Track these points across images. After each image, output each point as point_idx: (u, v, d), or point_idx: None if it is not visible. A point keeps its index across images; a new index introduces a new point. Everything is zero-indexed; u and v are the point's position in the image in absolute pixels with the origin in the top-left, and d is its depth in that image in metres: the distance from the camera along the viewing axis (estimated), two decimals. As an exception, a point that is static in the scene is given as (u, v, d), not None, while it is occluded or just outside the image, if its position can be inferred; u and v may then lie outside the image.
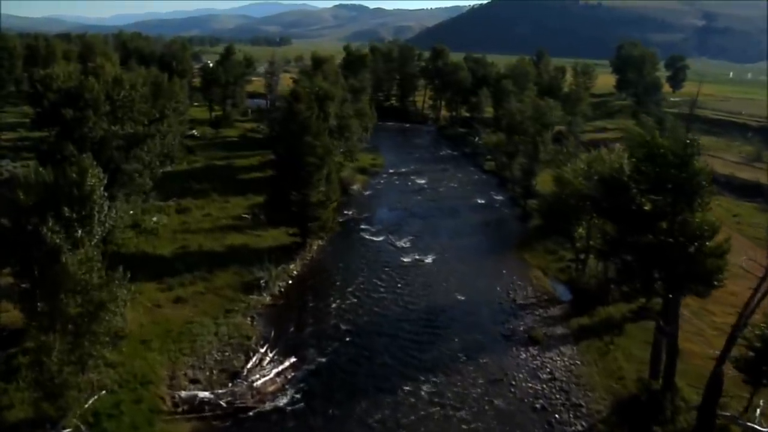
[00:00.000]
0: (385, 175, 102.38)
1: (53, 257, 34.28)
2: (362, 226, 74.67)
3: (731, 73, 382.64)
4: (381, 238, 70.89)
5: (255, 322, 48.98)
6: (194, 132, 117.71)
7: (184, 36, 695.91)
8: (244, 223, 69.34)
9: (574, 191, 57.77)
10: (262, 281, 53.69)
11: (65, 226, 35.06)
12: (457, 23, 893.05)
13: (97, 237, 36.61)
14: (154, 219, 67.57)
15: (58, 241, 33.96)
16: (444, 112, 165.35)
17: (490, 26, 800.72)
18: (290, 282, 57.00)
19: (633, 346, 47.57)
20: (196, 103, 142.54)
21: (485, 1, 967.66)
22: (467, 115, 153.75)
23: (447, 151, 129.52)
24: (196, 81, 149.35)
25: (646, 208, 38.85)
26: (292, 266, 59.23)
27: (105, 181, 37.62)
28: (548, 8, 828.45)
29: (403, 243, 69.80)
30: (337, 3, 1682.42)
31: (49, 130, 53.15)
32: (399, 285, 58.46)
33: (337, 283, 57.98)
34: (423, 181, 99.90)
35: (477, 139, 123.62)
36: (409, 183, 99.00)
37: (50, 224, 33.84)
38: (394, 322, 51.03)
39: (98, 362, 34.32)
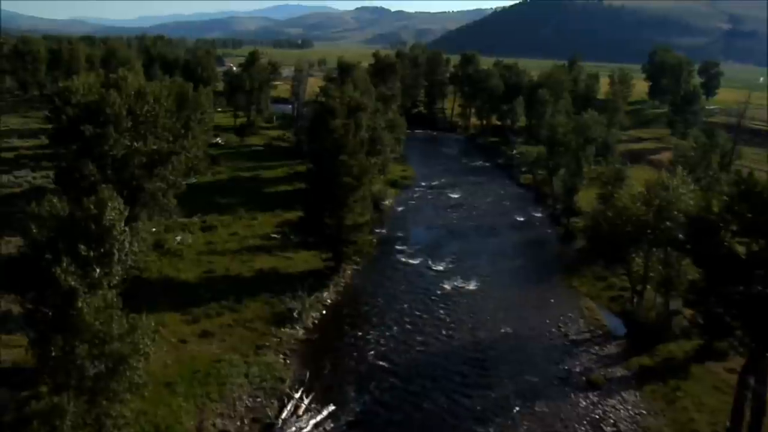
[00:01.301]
0: (417, 189, 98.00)
1: (68, 301, 30.35)
2: (397, 247, 70.34)
3: (762, 78, 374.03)
4: (418, 261, 66.50)
5: (288, 361, 44.74)
6: (218, 140, 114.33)
7: (207, 38, 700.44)
8: (273, 244, 65.30)
9: (632, 217, 53.17)
10: (294, 312, 49.47)
11: (81, 266, 31.05)
12: (480, 26, 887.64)
13: (117, 278, 32.57)
14: (178, 238, 63.79)
15: (72, 283, 29.97)
16: (474, 120, 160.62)
17: (512, 29, 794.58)
18: (324, 312, 52.75)
19: (702, 392, 42.95)
20: (219, 109, 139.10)
21: (507, 4, 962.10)
22: (498, 123, 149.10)
23: (479, 161, 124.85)
24: (220, 86, 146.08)
25: (739, 253, 34.03)
26: (325, 294, 55.00)
27: (126, 213, 33.53)
28: (571, 11, 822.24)
29: (442, 266, 65.42)
30: (358, 5, 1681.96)
31: (67, 147, 49.30)
32: (441, 315, 54.15)
33: (375, 314, 53.71)
34: (457, 196, 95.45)
35: (515, 152, 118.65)
36: (443, 197, 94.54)
37: (64, 264, 29.87)
38: (438, 361, 46.69)
39: (117, 422, 30.27)
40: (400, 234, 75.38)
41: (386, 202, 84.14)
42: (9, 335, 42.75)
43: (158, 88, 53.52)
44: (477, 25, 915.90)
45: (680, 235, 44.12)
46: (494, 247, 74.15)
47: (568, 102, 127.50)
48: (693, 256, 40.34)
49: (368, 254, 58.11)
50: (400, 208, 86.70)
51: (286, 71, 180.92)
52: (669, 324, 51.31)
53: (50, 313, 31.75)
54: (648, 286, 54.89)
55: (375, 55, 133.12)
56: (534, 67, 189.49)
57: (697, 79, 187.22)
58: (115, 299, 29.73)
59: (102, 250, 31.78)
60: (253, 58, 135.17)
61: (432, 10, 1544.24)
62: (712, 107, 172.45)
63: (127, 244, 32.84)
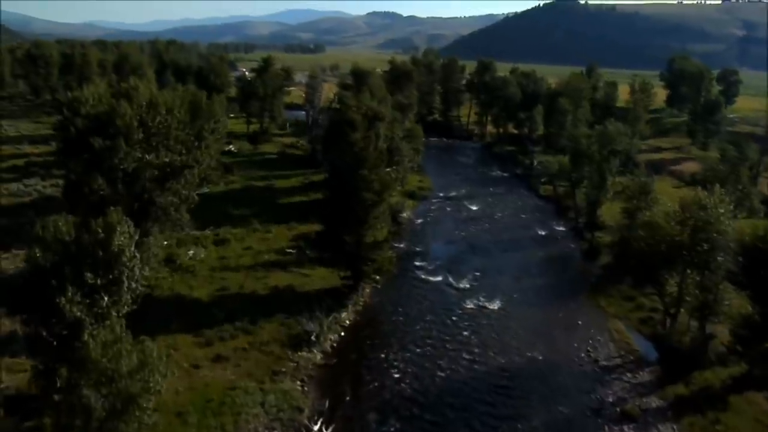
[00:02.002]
0: (434, 200, 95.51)
1: (73, 333, 28.22)
2: (417, 263, 67.87)
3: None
4: (439, 278, 64.04)
5: (306, 388, 42.39)
6: (231, 147, 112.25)
7: (219, 42, 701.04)
8: (289, 259, 63.00)
9: (666, 237, 50.58)
10: (312, 335, 47.13)
11: (88, 294, 28.92)
12: (492, 32, 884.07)
13: (126, 307, 30.39)
14: (190, 253, 61.63)
15: (78, 314, 27.84)
16: (490, 128, 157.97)
17: (525, 35, 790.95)
18: (342, 334, 50.41)
19: (743, 425, 40.66)
20: (232, 115, 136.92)
21: (520, 10, 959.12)
22: (515, 132, 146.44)
23: (497, 171, 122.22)
24: (233, 91, 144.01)
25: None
26: (344, 315, 52.62)
27: (136, 236, 31.38)
28: (583, 16, 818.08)
29: (464, 284, 62.95)
30: (370, 10, 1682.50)
31: (76, 160, 47.16)
32: (464, 337, 51.82)
33: (396, 336, 51.36)
34: (476, 208, 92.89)
35: (535, 163, 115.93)
36: (462, 209, 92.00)
37: (69, 294, 27.71)
38: (462, 388, 44.31)
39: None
40: (419, 248, 72.95)
41: (404, 215, 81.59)
42: (13, 358, 40.64)
43: (171, 97, 51.29)
44: (489, 30, 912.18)
45: (729, 264, 41.37)
46: (517, 262, 71.62)
47: (587, 110, 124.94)
48: (749, 288, 37.69)
49: (388, 272, 55.61)
50: (418, 221, 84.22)
51: (299, 76, 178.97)
52: (705, 350, 48.79)
53: (54, 343, 29.68)
54: (682, 309, 52.32)
55: (391, 62, 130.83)
56: (547, 73, 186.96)
57: (716, 87, 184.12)
58: (124, 333, 27.49)
59: (110, 276, 29.67)
60: (266, 65, 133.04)
61: (444, 15, 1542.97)
62: (731, 116, 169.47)
63: (137, 270, 30.64)
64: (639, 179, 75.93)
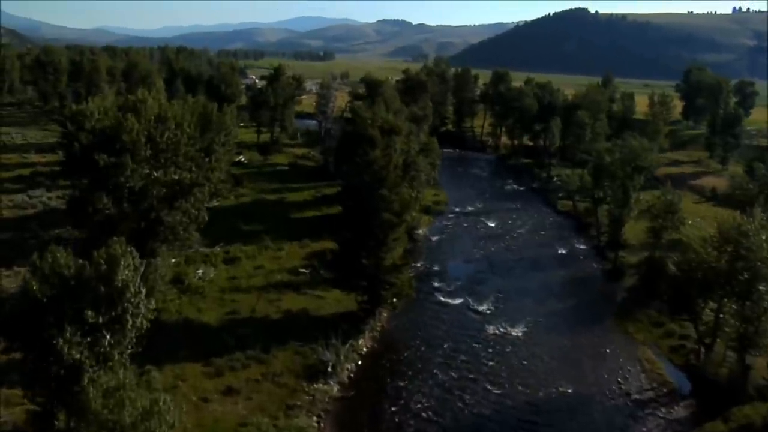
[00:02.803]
0: (450, 215, 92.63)
1: (72, 376, 25.64)
2: (435, 284, 65.07)
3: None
4: (459, 301, 61.22)
5: (323, 424, 39.67)
6: (241, 158, 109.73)
7: (229, 49, 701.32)
8: (302, 280, 60.25)
9: (703, 264, 47.72)
10: (328, 365, 44.37)
11: (89, 333, 26.34)
12: (502, 40, 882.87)
13: (130, 349, 27.78)
14: (200, 272, 58.95)
15: (78, 356, 25.26)
16: (504, 140, 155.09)
17: (535, 44, 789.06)
18: (360, 363, 47.69)
19: (788, 466, 37.57)
20: (242, 124, 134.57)
21: (530, 19, 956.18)
22: (530, 144, 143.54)
23: (513, 185, 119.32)
24: (243, 99, 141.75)
25: None
26: (361, 341, 49.89)
27: (142, 269, 28.80)
28: (595, 26, 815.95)
29: (485, 307, 60.15)
30: (380, 18, 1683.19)
31: (80, 177, 44.76)
32: (487, 366, 49.13)
33: (416, 365, 48.63)
34: (493, 224, 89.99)
35: (554, 178, 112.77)
36: (479, 225, 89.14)
37: (68, 334, 25.14)
38: (487, 424, 41.68)
39: None
40: (436, 268, 70.18)
41: (419, 231, 78.55)
42: (11, 390, 37.88)
43: (180, 111, 48.77)
44: (499, 39, 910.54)
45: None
46: (538, 283, 68.79)
47: (605, 123, 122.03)
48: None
49: (408, 296, 52.76)
50: (434, 238, 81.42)
51: (309, 84, 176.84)
52: (744, 383, 45.87)
53: (53, 385, 27.09)
54: (718, 339, 49.43)
55: (405, 72, 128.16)
56: (557, 82, 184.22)
57: (732, 99, 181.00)
58: (127, 377, 24.84)
59: (113, 313, 27.04)
60: (277, 73, 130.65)
61: (453, 24, 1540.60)
62: (749, 129, 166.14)
63: (142, 307, 28.02)
64: (665, 197, 73.25)
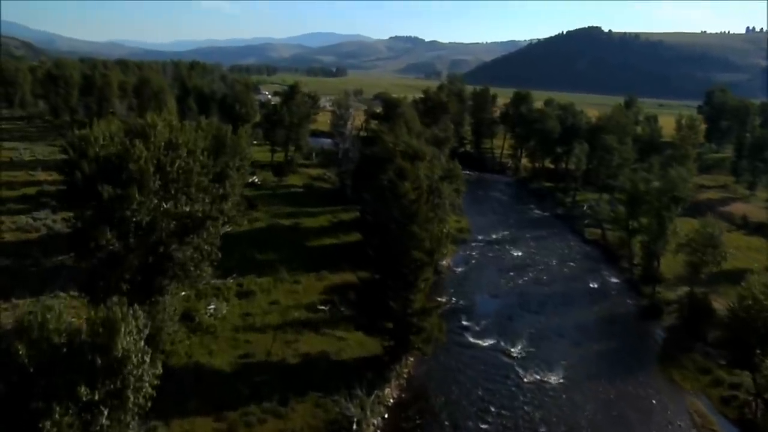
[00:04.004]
0: (474, 244, 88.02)
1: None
2: (463, 322, 60.47)
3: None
4: (489, 342, 56.64)
5: (348, 493, 35.30)
6: (255, 179, 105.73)
7: (242, 64, 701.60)
8: (321, 317, 55.80)
9: (763, 310, 43.27)
10: (353, 421, 39.91)
11: (82, 411, 22.11)
12: (515, 58, 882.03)
13: (131, 429, 23.51)
14: (211, 308, 54.71)
15: (70, 439, 21.06)
16: (525, 162, 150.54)
17: (548, 62, 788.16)
18: (386, 416, 43.15)
19: None
20: (255, 142, 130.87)
21: (543, 37, 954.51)
22: (551, 166, 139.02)
23: (536, 210, 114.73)
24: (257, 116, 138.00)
25: None
26: (387, 391, 45.35)
27: (147, 330, 24.61)
28: (608, 44, 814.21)
29: (518, 349, 55.55)
30: (392, 35, 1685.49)
31: (82, 209, 40.61)
32: (526, 418, 44.64)
33: (447, 417, 44.07)
34: (519, 253, 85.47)
35: (586, 207, 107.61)
36: (504, 255, 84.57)
37: (57, 415, 20.92)
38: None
39: None
40: (463, 303, 65.56)
41: (444, 263, 74.09)
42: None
43: (193, 137, 44.62)
44: (512, 56, 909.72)
45: None
46: (572, 321, 64.17)
47: (630, 147, 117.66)
48: None
49: (438, 341, 48.18)
50: (459, 269, 76.89)
51: (322, 100, 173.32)
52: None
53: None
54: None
55: (425, 92, 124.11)
56: (572, 101, 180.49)
57: (757, 121, 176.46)
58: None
59: (111, 387, 22.80)
60: (293, 91, 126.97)
61: (466, 41, 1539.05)
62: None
63: (146, 378, 23.74)
64: (705, 230, 68.80)
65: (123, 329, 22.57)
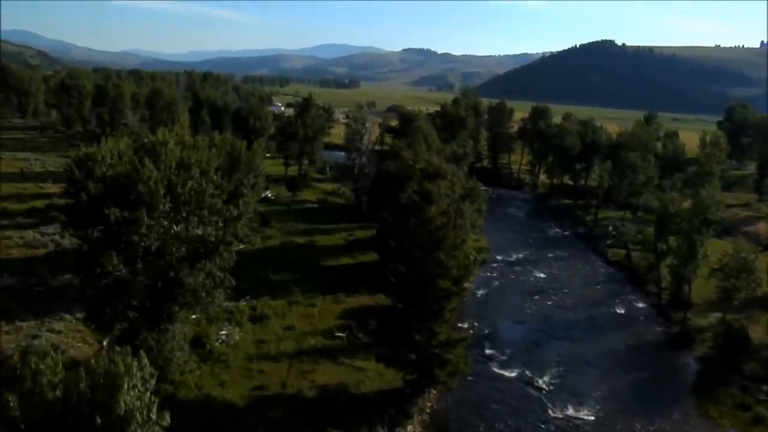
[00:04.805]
0: (494, 264, 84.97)
1: None
2: (486, 350, 57.50)
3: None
4: (515, 373, 53.71)
5: None
6: (268, 193, 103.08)
7: (255, 75, 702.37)
8: (338, 344, 53.02)
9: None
10: (374, 464, 37.18)
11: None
12: (528, 71, 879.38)
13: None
14: (224, 333, 52.03)
15: None
16: (543, 178, 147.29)
17: (561, 75, 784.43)
18: (410, 457, 40.45)
19: None
20: (268, 154, 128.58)
21: (556, 50, 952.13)
22: (570, 183, 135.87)
23: (556, 229, 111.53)
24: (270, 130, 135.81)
25: None
26: (409, 428, 42.58)
27: (154, 381, 21.94)
28: (621, 58, 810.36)
29: (545, 381, 52.56)
30: (405, 47, 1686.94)
31: (88, 233, 38.13)
32: (557, 463, 41.61)
33: (474, 460, 41.33)
34: (541, 275, 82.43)
35: (611, 228, 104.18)
36: (526, 277, 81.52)
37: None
38: None
39: None
40: (486, 330, 62.59)
41: (465, 285, 71.16)
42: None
43: (206, 156, 42.12)
44: (525, 69, 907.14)
45: None
46: (600, 350, 61.11)
47: (652, 164, 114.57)
48: None
49: (464, 374, 45.27)
50: (480, 292, 73.93)
51: (336, 112, 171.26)
52: None
53: None
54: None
55: (443, 107, 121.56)
56: (585, 115, 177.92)
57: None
58: None
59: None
60: (307, 104, 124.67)
61: (478, 53, 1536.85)
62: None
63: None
64: (739, 254, 65.82)
65: (126, 383, 19.95)
